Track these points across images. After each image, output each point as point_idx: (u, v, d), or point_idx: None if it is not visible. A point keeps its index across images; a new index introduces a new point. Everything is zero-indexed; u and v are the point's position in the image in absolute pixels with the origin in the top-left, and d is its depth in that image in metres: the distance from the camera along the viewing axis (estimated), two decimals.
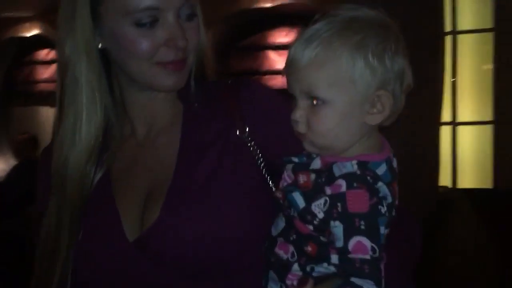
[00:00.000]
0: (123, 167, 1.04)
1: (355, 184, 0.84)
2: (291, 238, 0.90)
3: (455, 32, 4.00)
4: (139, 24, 0.94)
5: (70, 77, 0.99)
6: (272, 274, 0.93)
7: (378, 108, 0.89)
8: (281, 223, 0.93)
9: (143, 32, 0.95)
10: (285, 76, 0.92)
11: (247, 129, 0.99)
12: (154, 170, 1.02)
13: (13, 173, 5.44)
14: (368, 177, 0.85)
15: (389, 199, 0.86)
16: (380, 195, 0.85)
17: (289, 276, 0.91)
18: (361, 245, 0.82)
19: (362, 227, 0.83)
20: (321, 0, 4.72)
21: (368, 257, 0.82)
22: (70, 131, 1.00)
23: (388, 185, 0.87)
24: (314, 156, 0.92)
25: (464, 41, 4.01)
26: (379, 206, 0.84)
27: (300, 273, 0.90)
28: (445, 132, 4.08)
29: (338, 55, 0.86)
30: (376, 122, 0.91)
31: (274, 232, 0.94)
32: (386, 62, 0.88)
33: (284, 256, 0.91)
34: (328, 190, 0.86)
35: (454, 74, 4.03)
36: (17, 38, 6.48)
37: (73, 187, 1.00)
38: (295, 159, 0.94)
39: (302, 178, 0.90)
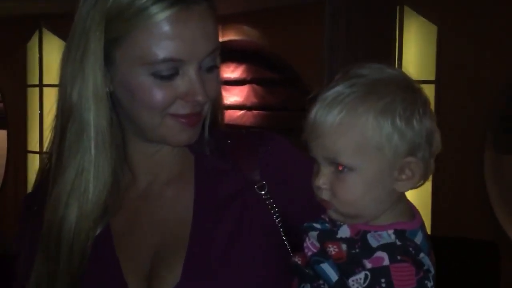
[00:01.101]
0: (123, 222, 0.92)
1: (398, 257, 0.79)
2: None
3: None
4: (157, 76, 0.84)
5: (76, 126, 0.87)
6: None
7: (407, 174, 0.84)
8: None
9: (161, 83, 0.85)
10: (306, 141, 0.86)
11: (266, 187, 0.92)
12: (163, 227, 0.91)
13: None
14: (410, 248, 0.80)
15: (432, 271, 0.81)
16: (425, 268, 0.80)
17: None
18: None
19: None
20: (270, 38, 4.78)
21: None
22: (69, 188, 0.87)
23: (429, 255, 0.83)
24: (341, 223, 0.86)
25: None
26: (426, 281, 0.79)
27: None
28: None
29: (364, 121, 0.82)
30: (406, 189, 0.87)
31: None
32: (415, 126, 0.84)
33: None
34: (368, 264, 0.80)
35: None
36: None
37: (73, 252, 0.86)
38: (318, 226, 0.87)
39: (333, 249, 0.83)
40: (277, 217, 0.92)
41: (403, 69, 4.18)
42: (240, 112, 5.11)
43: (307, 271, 0.85)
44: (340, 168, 0.83)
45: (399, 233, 0.82)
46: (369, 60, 0.90)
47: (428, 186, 4.13)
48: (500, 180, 4.03)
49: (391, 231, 0.82)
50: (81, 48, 0.86)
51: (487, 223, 3.94)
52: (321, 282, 0.83)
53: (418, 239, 0.83)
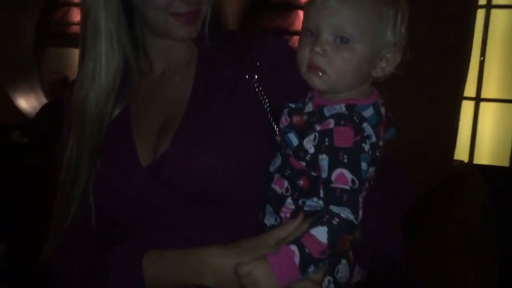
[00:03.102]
0: (140, 102, 1.13)
1: (342, 122, 0.93)
2: (286, 174, 1.00)
3: (489, 6, 3.94)
4: None
5: (91, 24, 1.07)
6: (268, 207, 1.03)
7: (383, 63, 0.98)
8: (278, 161, 1.02)
9: None
10: (309, 9, 0.97)
11: (255, 76, 1.07)
12: (169, 105, 1.11)
13: (43, 112, 5.66)
14: (355, 117, 0.94)
15: (373, 139, 0.94)
16: (365, 134, 0.93)
17: (283, 209, 1.01)
18: (343, 176, 0.91)
19: (345, 160, 0.91)
20: None
21: (347, 187, 0.91)
22: (90, 73, 1.08)
23: (374, 127, 0.95)
24: (307, 101, 1.02)
25: (498, 16, 3.96)
26: (363, 144, 0.92)
27: (293, 207, 1.00)
28: (467, 108, 4.08)
29: (376, 4, 0.94)
30: (378, 75, 1.00)
31: (272, 169, 1.03)
32: (403, 26, 0.97)
33: (279, 191, 1.01)
34: (318, 127, 0.95)
35: (483, 49, 4.00)
36: None
37: (92, 122, 1.08)
38: (292, 105, 1.03)
39: (295, 119, 0.99)
40: (265, 103, 1.07)
41: None
42: None
43: (280, 142, 1.02)
44: (342, 40, 0.94)
45: (349, 107, 0.96)
46: None
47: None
48: None
49: (342, 105, 0.96)
50: None
51: None
52: (287, 149, 1.00)
53: (367, 113, 0.96)
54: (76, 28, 6.64)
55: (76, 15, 6.69)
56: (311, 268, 0.90)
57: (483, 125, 4.08)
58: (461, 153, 4.13)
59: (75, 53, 6.44)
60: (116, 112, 1.11)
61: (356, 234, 0.96)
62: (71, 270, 1.09)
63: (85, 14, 1.09)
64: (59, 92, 5.64)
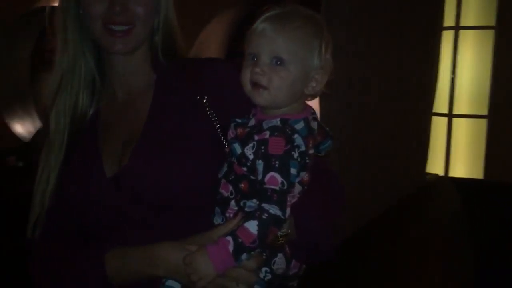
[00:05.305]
0: (106, 122, 1.30)
1: (275, 133, 1.10)
2: (230, 179, 1.16)
3: (457, 28, 4.16)
4: None
5: (59, 44, 1.26)
6: (217, 209, 1.19)
7: (313, 83, 1.16)
8: (224, 168, 1.19)
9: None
10: (250, 38, 1.16)
11: (206, 97, 1.24)
12: (131, 124, 1.27)
13: (38, 136, 5.82)
14: (287, 130, 1.11)
15: (302, 148, 1.11)
16: (295, 143, 1.10)
17: (229, 210, 1.17)
18: (274, 179, 1.08)
19: (276, 165, 1.08)
20: None
21: (277, 188, 1.07)
22: (54, 89, 1.26)
23: (304, 138, 1.12)
24: (251, 117, 1.20)
25: (466, 37, 4.18)
26: (292, 152, 1.09)
27: (236, 208, 1.16)
28: (441, 123, 4.28)
29: (303, 35, 1.13)
30: (310, 93, 1.18)
31: (220, 175, 1.20)
32: (327, 53, 1.16)
33: (225, 194, 1.17)
34: (256, 137, 1.13)
35: (453, 69, 4.22)
36: (48, 7, 6.79)
37: (56, 135, 1.26)
38: (238, 120, 1.21)
39: (239, 131, 1.17)
40: (215, 120, 1.23)
41: (464, 15, 4.17)
42: None
43: (228, 153, 1.18)
44: (277, 62, 1.12)
45: (283, 121, 1.13)
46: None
47: (483, 132, 4.18)
48: None
49: (278, 119, 1.13)
50: None
51: None
52: (232, 157, 1.16)
53: (299, 126, 1.13)
54: None
55: None
56: (244, 256, 1.07)
57: (457, 140, 4.27)
58: (437, 167, 4.31)
59: None
60: (85, 134, 1.28)
61: (288, 231, 1.13)
62: (46, 267, 1.25)
63: (54, 32, 1.26)
64: None
